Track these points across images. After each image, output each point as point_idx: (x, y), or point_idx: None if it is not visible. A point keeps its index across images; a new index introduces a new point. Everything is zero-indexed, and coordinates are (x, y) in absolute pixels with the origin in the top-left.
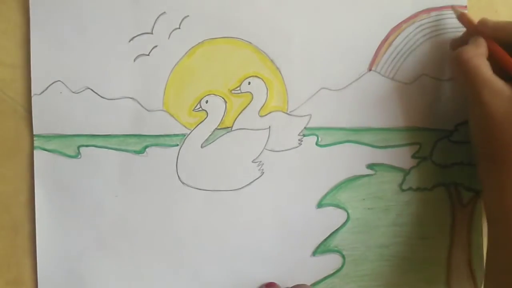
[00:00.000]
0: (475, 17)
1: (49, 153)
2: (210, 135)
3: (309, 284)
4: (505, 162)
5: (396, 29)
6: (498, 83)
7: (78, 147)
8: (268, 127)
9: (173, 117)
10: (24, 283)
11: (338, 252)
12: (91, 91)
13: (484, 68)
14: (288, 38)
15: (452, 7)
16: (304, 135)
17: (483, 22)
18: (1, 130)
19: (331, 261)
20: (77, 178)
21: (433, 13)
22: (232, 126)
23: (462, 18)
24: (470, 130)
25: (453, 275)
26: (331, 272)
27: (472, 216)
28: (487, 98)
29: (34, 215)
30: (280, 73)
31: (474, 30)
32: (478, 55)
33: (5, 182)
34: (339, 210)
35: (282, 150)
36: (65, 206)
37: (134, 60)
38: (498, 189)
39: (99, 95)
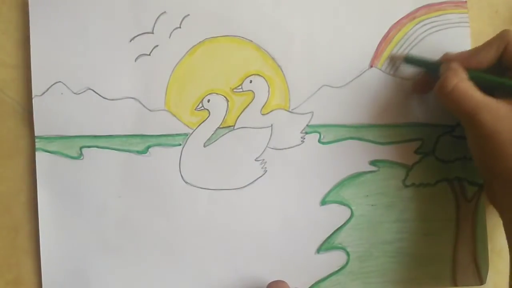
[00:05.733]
0: (476, 17)
1: (51, 154)
2: (213, 134)
3: (314, 281)
4: None
5: (397, 26)
6: (493, 102)
7: (80, 148)
8: (270, 125)
9: (175, 116)
10: (24, 283)
11: (343, 249)
12: (92, 91)
13: (473, 90)
14: (289, 36)
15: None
16: (306, 133)
17: (446, 56)
18: (1, 131)
19: (335, 258)
20: (80, 179)
21: (433, 9)
22: (234, 125)
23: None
24: (472, 154)
25: (459, 270)
26: (336, 269)
27: (477, 211)
28: (486, 119)
29: (35, 215)
30: (282, 71)
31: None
32: (461, 80)
33: (5, 182)
34: (343, 207)
35: (285, 148)
36: (68, 207)
37: (135, 60)
38: None
39: (100, 95)
